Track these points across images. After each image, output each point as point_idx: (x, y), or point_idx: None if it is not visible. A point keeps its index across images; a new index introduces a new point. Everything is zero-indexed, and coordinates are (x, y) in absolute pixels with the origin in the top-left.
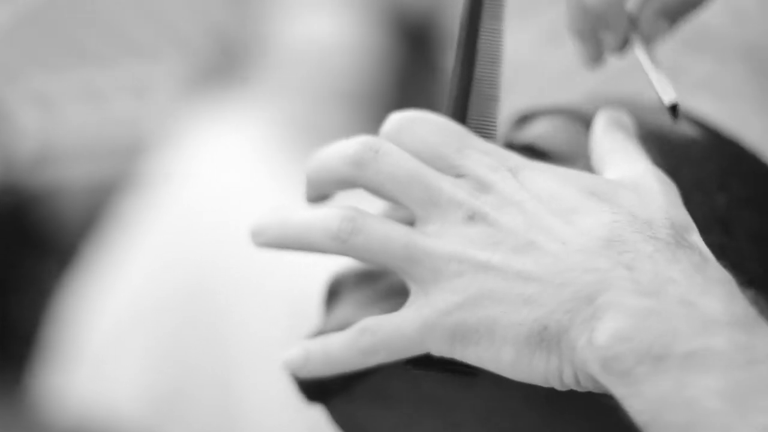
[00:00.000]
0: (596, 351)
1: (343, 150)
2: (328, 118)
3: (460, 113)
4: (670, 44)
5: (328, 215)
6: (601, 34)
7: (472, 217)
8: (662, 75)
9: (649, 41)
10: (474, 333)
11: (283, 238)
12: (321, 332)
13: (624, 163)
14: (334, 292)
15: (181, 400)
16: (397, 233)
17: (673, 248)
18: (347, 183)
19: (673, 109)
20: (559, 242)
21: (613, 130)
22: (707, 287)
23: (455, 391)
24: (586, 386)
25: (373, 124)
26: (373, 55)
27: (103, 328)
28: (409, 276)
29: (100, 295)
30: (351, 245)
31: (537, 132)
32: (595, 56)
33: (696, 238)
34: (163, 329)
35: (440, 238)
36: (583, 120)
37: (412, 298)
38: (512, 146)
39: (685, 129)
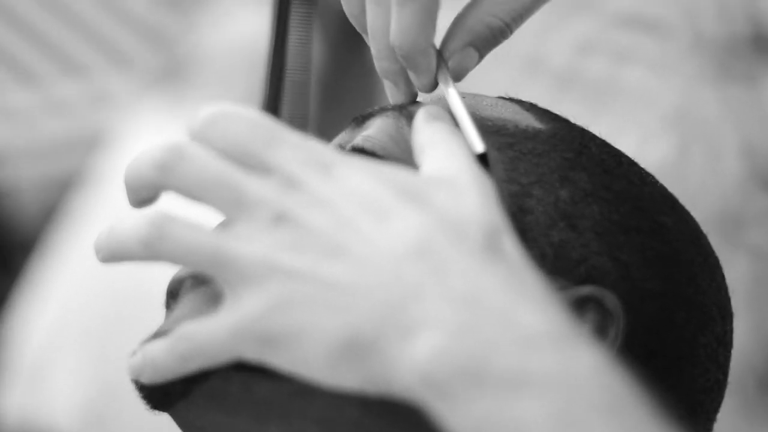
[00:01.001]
0: (413, 366)
1: (150, 154)
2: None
3: (272, 106)
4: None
5: (137, 222)
6: (411, 75)
7: (280, 217)
8: (469, 122)
9: (459, 76)
10: (283, 340)
11: (111, 251)
12: (157, 335)
13: (442, 157)
14: (174, 293)
15: (119, 407)
16: (204, 238)
17: (486, 254)
18: (158, 188)
19: (483, 158)
20: (370, 247)
21: (434, 122)
22: (524, 297)
23: (290, 398)
24: (403, 397)
25: (314, 116)
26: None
27: (38, 338)
28: (221, 280)
29: (37, 302)
30: (159, 251)
31: (366, 133)
32: (408, 96)
33: (510, 241)
34: (97, 334)
35: (248, 242)
36: (411, 116)
37: (225, 303)
38: (343, 149)
39: (528, 122)
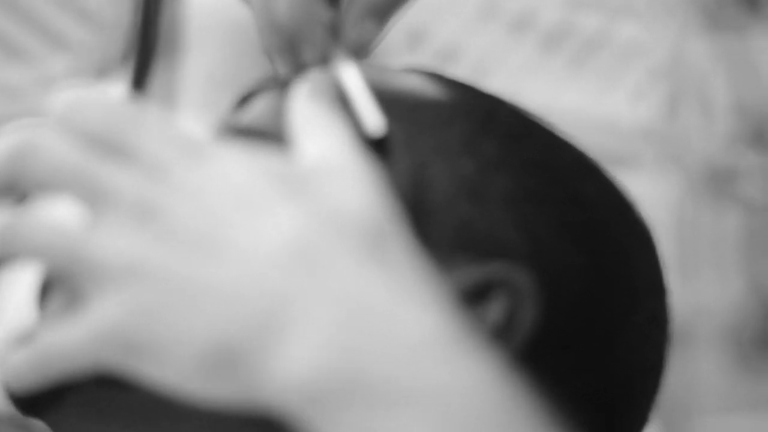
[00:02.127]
0: (284, 375)
1: (1, 148)
2: (246, 73)
3: (141, 82)
4: None
5: None
6: (298, 51)
7: (142, 212)
8: (368, 99)
9: (360, 48)
10: (147, 347)
11: None
12: (22, 340)
13: (323, 143)
14: (45, 290)
15: None
16: (59, 239)
17: (369, 253)
18: (10, 182)
19: (380, 144)
20: (241, 246)
21: (315, 99)
22: (410, 300)
23: (160, 409)
24: (276, 409)
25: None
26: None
27: None
28: (81, 281)
29: None
30: (12, 250)
31: (253, 113)
32: (295, 74)
33: (397, 237)
34: None
35: (107, 238)
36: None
37: (87, 306)
38: (228, 130)
39: (429, 91)
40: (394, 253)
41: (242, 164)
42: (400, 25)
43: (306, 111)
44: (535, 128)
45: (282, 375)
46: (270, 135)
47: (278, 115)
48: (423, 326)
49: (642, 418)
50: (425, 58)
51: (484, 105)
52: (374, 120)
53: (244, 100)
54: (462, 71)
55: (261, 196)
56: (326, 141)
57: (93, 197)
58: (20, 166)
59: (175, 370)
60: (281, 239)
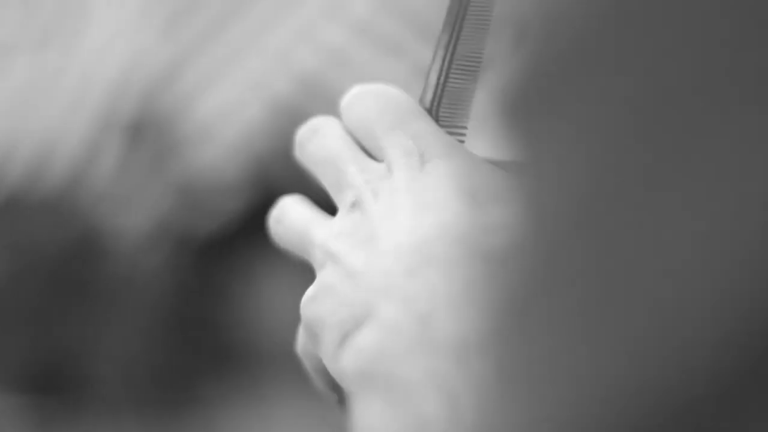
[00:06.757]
0: (346, 356)
1: (303, 128)
2: None
3: (438, 84)
4: None
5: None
6: None
7: (355, 203)
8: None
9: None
10: (316, 331)
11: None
12: None
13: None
14: None
15: None
16: (302, 222)
17: (482, 266)
18: (299, 163)
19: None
20: (393, 240)
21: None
22: (467, 310)
23: None
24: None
25: None
26: None
27: None
28: (312, 262)
29: None
30: (276, 233)
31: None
32: None
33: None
34: None
35: (328, 227)
36: None
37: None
38: None
39: None
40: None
41: (452, 174)
42: None
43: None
44: None
45: (346, 355)
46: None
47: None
48: (451, 331)
49: None
50: None
51: None
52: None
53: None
54: None
55: (436, 199)
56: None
57: (336, 186)
58: (302, 149)
59: (327, 352)
60: (416, 239)
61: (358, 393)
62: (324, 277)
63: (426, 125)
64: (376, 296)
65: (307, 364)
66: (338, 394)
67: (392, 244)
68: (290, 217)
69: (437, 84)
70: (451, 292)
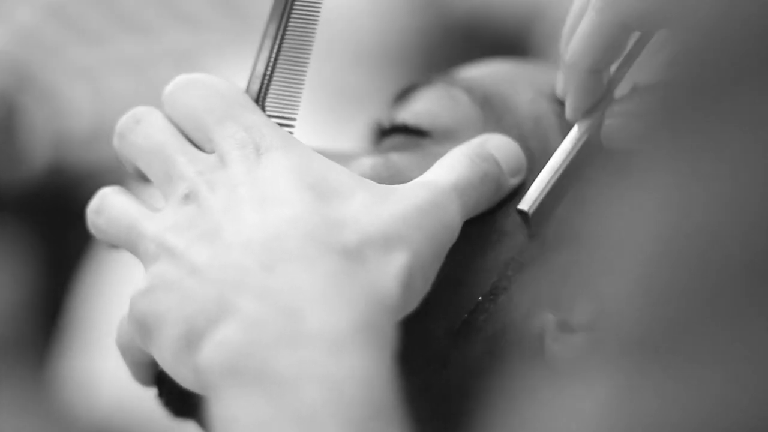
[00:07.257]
0: (204, 354)
1: (122, 120)
2: (356, 80)
3: (263, 75)
4: None
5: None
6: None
7: (188, 196)
8: (545, 183)
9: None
10: (151, 326)
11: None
12: None
13: (436, 168)
14: None
15: None
16: (127, 214)
17: (340, 260)
18: (117, 154)
19: (522, 215)
20: (237, 233)
21: (481, 150)
22: (335, 303)
23: None
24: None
25: (398, 84)
26: (395, 16)
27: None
28: (138, 256)
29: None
30: (95, 224)
31: (415, 109)
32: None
33: (395, 257)
34: None
35: (158, 219)
36: (463, 89)
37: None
38: (389, 126)
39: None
40: (361, 267)
41: (291, 167)
42: None
43: (462, 150)
44: None
45: (204, 353)
46: (432, 129)
47: (444, 106)
48: (324, 324)
49: None
50: None
51: None
52: (529, 200)
53: (403, 94)
54: None
55: (280, 192)
56: (422, 181)
57: (165, 177)
58: (123, 139)
59: (165, 350)
60: (261, 230)
61: (221, 388)
62: (159, 271)
63: (258, 117)
64: (230, 291)
65: (127, 357)
66: (159, 387)
67: (240, 239)
68: (113, 208)
69: (264, 75)
70: (315, 286)
